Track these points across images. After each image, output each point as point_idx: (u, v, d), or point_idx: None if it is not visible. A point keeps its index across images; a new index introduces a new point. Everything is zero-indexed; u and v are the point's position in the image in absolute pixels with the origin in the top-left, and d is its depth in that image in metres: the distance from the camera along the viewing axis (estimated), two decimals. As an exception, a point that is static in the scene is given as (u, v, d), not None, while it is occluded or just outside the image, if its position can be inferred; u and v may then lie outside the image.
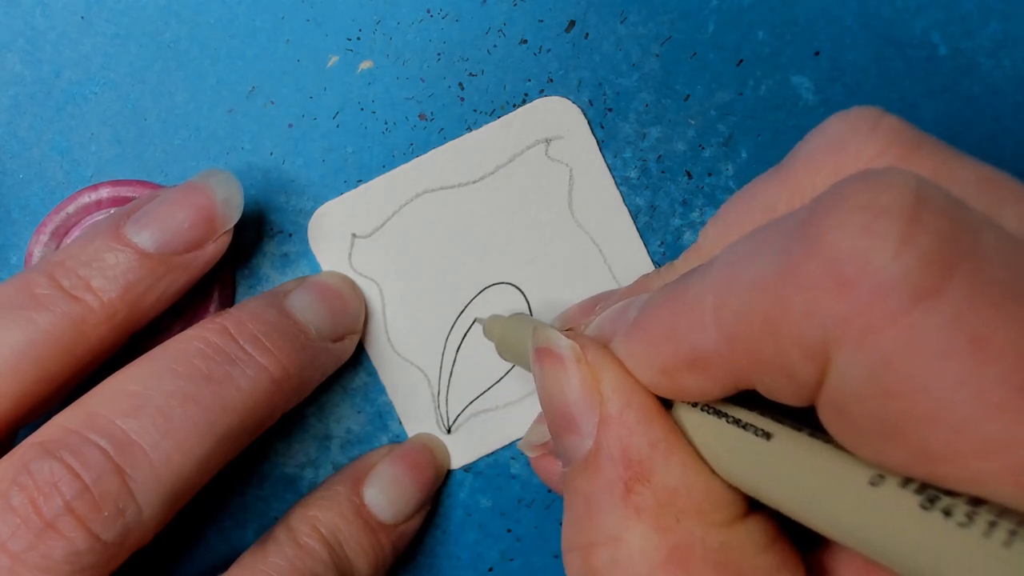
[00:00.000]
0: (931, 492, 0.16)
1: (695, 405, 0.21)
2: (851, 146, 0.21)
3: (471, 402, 0.32)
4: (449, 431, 0.32)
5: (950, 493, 0.16)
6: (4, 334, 0.26)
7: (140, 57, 0.32)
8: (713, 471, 0.21)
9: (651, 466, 0.20)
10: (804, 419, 0.20)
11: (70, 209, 0.31)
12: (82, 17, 0.32)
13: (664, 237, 0.32)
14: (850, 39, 0.32)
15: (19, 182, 0.32)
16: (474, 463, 0.33)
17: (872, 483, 0.17)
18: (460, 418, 0.32)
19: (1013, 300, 0.15)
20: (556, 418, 0.22)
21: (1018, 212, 0.19)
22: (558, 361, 0.22)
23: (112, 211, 0.31)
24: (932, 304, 0.15)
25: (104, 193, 0.31)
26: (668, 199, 0.32)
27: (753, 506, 0.21)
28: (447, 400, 0.32)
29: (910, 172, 0.16)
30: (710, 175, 0.32)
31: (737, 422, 0.20)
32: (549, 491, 0.32)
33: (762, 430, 0.20)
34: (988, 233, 0.16)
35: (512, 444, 0.32)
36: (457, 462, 0.33)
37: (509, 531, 0.33)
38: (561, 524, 0.23)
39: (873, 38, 0.32)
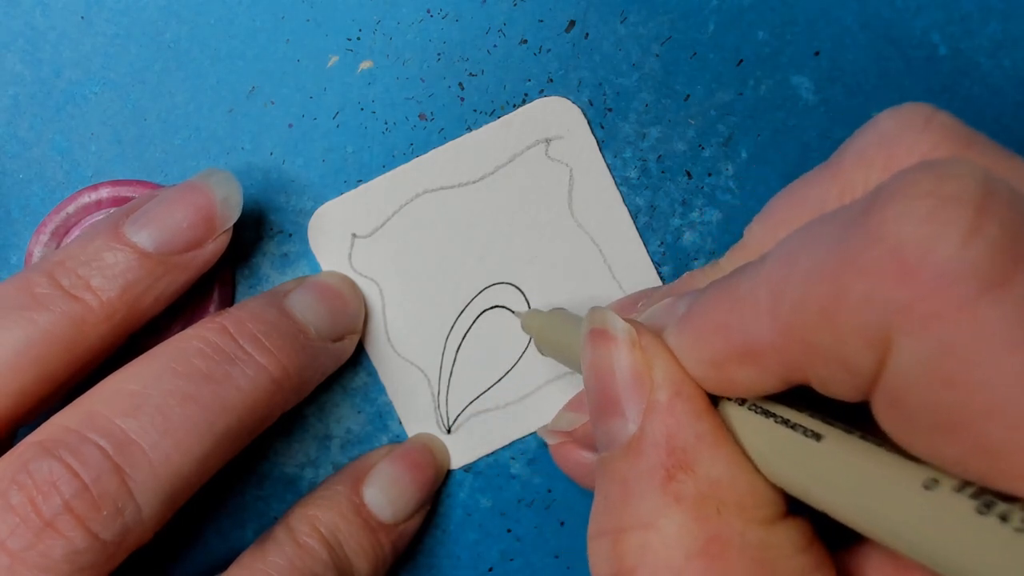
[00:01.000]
0: (987, 497, 0.16)
1: (742, 403, 0.21)
2: (904, 141, 0.21)
3: (471, 402, 0.32)
4: (449, 431, 0.32)
5: (1007, 499, 0.16)
6: (4, 333, 0.26)
7: (140, 57, 0.32)
8: (757, 470, 0.20)
9: (695, 457, 0.20)
10: (853, 422, 0.19)
11: (70, 209, 0.31)
12: (82, 17, 0.32)
13: (664, 237, 0.32)
14: (850, 39, 0.32)
15: (19, 182, 0.32)
16: (474, 463, 0.33)
17: (926, 486, 0.17)
18: (460, 418, 0.32)
19: None
20: (602, 399, 0.22)
21: None
22: (612, 342, 0.22)
23: (112, 211, 0.31)
24: (999, 294, 0.15)
25: (104, 193, 0.31)
26: (668, 199, 0.32)
27: (792, 509, 0.20)
28: (447, 400, 0.32)
29: (975, 163, 0.16)
30: (710, 175, 0.32)
31: (785, 422, 0.20)
32: (549, 491, 0.32)
33: (811, 431, 0.19)
34: None
35: (512, 444, 0.32)
36: (457, 462, 0.33)
37: (509, 531, 0.33)
38: (587, 515, 0.23)
39: (873, 38, 0.32)
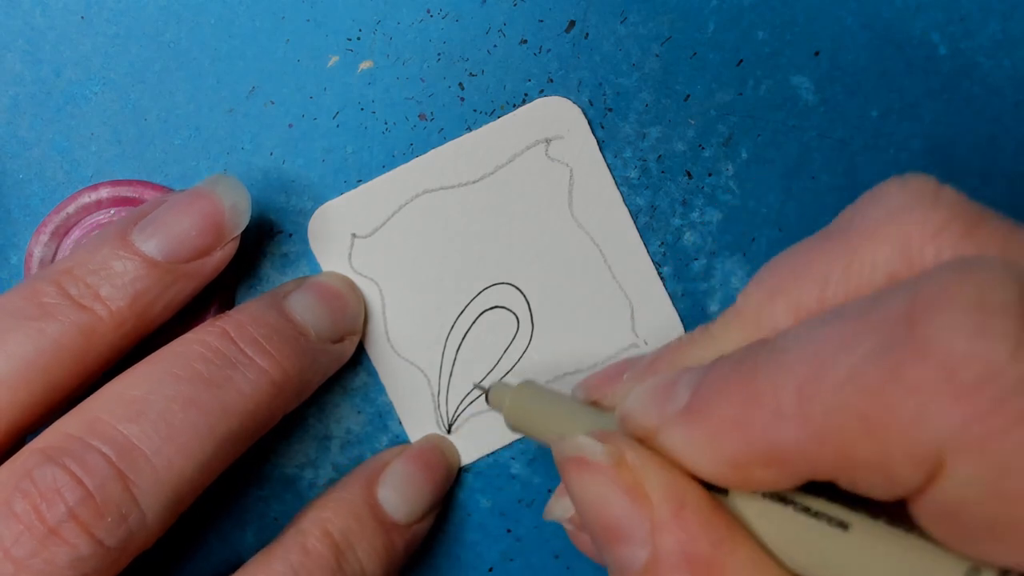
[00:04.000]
0: None
1: (754, 492, 0.20)
2: (914, 217, 0.20)
3: (471, 402, 0.33)
4: (449, 431, 0.33)
5: None
6: (13, 344, 0.26)
7: (140, 57, 0.32)
8: (779, 563, 0.20)
9: (718, 568, 0.19)
10: (872, 505, 0.19)
11: (70, 209, 0.31)
12: (82, 17, 0.32)
13: (664, 237, 0.32)
14: (850, 39, 0.32)
15: (19, 182, 0.32)
16: (474, 463, 0.33)
17: None
18: (460, 418, 0.33)
19: None
20: (602, 530, 0.21)
21: None
22: (595, 470, 0.21)
23: (112, 211, 0.31)
24: None
25: (104, 193, 0.31)
26: (668, 199, 0.32)
27: None
28: (447, 400, 0.33)
29: (1010, 263, 0.16)
30: (710, 175, 0.32)
31: (806, 510, 0.19)
32: (549, 491, 0.33)
33: (836, 519, 0.19)
34: None
35: (512, 444, 0.33)
36: (457, 462, 0.33)
37: (509, 531, 0.33)
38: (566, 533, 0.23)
39: (873, 38, 0.32)
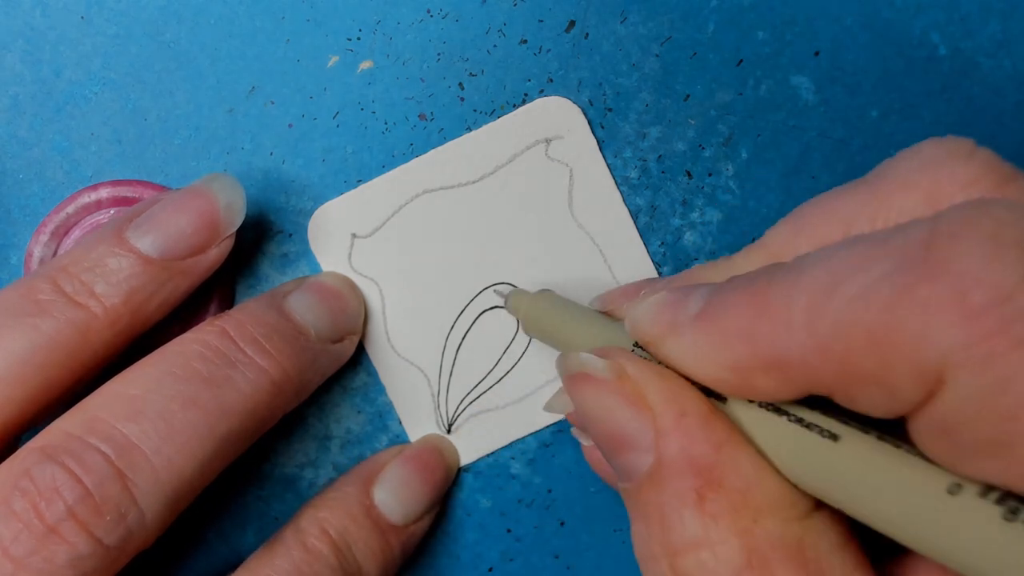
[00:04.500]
0: (1012, 503, 0.16)
1: (751, 401, 0.21)
2: (947, 169, 0.21)
3: (471, 402, 0.32)
4: (449, 431, 0.33)
5: None
6: (8, 341, 0.26)
7: (140, 57, 0.32)
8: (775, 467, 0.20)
9: (720, 470, 0.20)
10: (865, 421, 0.19)
11: (70, 209, 0.31)
12: (82, 17, 0.32)
13: (664, 237, 0.32)
14: (850, 39, 0.32)
15: (19, 182, 0.32)
16: (474, 463, 0.33)
17: (950, 492, 0.17)
18: (460, 418, 0.33)
19: None
20: (607, 440, 0.22)
21: None
22: (598, 384, 0.22)
23: (112, 211, 0.31)
24: None
25: (104, 193, 0.31)
26: (668, 199, 0.32)
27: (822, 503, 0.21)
28: (447, 400, 0.32)
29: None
30: (710, 175, 0.32)
31: (799, 420, 0.20)
32: (549, 491, 0.33)
33: (827, 431, 0.19)
34: None
35: (512, 444, 0.33)
36: (457, 462, 0.33)
37: (509, 531, 0.33)
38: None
39: (873, 38, 0.32)
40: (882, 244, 0.18)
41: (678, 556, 0.20)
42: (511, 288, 0.31)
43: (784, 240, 0.24)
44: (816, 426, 0.20)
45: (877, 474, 0.18)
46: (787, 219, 0.24)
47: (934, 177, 0.21)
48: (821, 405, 0.20)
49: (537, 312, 0.29)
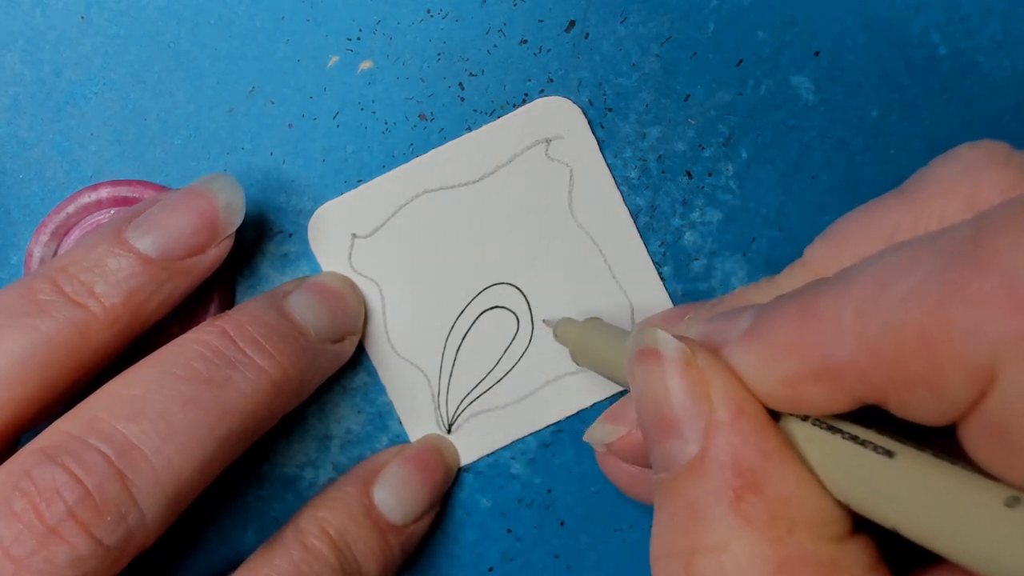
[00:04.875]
0: None
1: (805, 418, 0.20)
2: (986, 174, 0.21)
3: (471, 402, 0.32)
4: (449, 431, 0.33)
5: None
6: (8, 341, 0.26)
7: (140, 57, 0.32)
8: (824, 487, 0.20)
9: (763, 476, 0.20)
10: (921, 439, 0.19)
11: (70, 209, 0.31)
12: (82, 17, 0.32)
13: (664, 237, 0.32)
14: (850, 39, 0.32)
15: (19, 182, 0.32)
16: (474, 463, 0.33)
17: (1008, 504, 0.17)
18: (460, 418, 0.33)
19: None
20: (657, 421, 0.21)
21: None
22: (665, 361, 0.21)
23: (112, 211, 0.31)
24: None
25: (104, 193, 0.31)
26: (668, 199, 0.32)
27: (857, 527, 0.20)
28: (447, 400, 0.33)
29: None
30: (710, 175, 0.32)
31: (854, 438, 0.20)
32: (549, 491, 0.33)
33: (882, 447, 0.19)
34: None
35: (512, 444, 0.33)
36: (457, 462, 0.33)
37: (509, 531, 0.33)
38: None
39: (873, 38, 0.32)
40: (928, 245, 0.18)
41: (697, 555, 0.20)
42: (560, 318, 0.31)
43: (825, 256, 0.23)
44: (870, 443, 0.19)
45: (933, 489, 0.18)
46: (826, 235, 0.24)
47: (974, 183, 0.21)
48: (874, 423, 0.20)
49: (586, 342, 0.29)
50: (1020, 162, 0.21)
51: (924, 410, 0.18)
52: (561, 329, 0.30)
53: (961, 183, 0.21)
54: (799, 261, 0.24)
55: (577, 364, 0.29)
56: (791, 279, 0.24)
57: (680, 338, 0.22)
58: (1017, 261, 0.16)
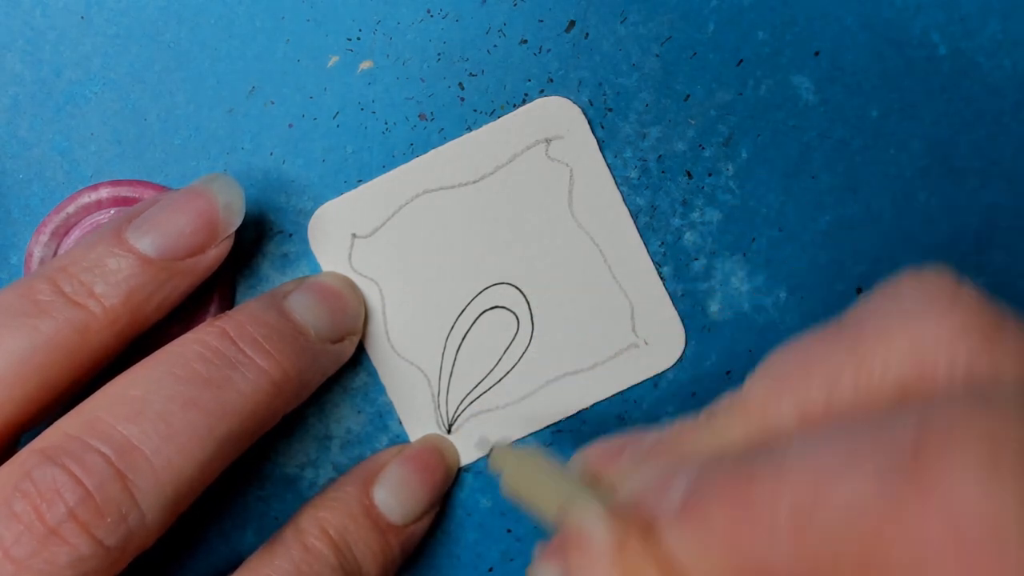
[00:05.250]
0: None
1: None
2: (928, 321, 0.20)
3: (471, 402, 0.33)
4: (449, 431, 0.33)
5: None
6: (7, 341, 0.26)
7: (140, 57, 0.32)
8: None
9: None
10: None
11: (70, 209, 0.31)
12: (82, 17, 0.32)
13: (664, 237, 0.32)
14: (850, 39, 0.32)
15: (19, 182, 0.32)
16: (474, 463, 0.33)
17: None
18: (460, 418, 0.33)
19: None
20: None
21: None
22: (591, 554, 0.21)
23: (112, 211, 0.31)
24: None
25: (104, 193, 0.31)
26: (668, 199, 0.32)
27: None
28: (447, 400, 0.33)
29: (1020, 402, 0.16)
30: (710, 175, 0.32)
31: None
32: (549, 491, 0.33)
33: None
34: None
35: (512, 444, 0.32)
36: (457, 462, 0.33)
37: (509, 531, 0.33)
38: None
39: (873, 38, 0.32)
40: (867, 440, 0.17)
41: None
42: (497, 444, 0.29)
43: (765, 400, 0.22)
44: None
45: None
46: (764, 372, 0.23)
47: (916, 332, 0.20)
48: None
49: (520, 476, 0.27)
50: (967, 304, 0.20)
51: None
52: (495, 456, 0.28)
53: (904, 329, 0.20)
54: (739, 398, 0.23)
55: (503, 495, 0.28)
56: (729, 422, 0.23)
57: (612, 521, 0.21)
58: (959, 493, 0.15)
